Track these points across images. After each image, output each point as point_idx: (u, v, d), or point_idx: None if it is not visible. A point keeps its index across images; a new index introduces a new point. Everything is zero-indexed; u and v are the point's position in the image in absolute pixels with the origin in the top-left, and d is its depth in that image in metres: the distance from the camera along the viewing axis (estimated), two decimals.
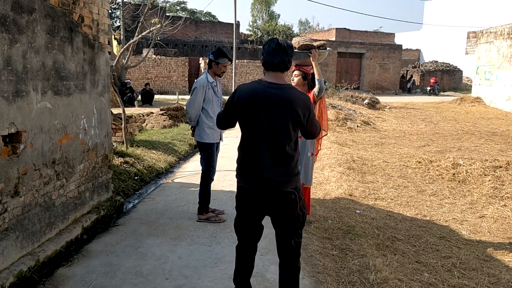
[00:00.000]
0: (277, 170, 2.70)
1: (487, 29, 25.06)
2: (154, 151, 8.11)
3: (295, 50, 4.34)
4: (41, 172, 3.84)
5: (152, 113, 12.19)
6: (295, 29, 56.19)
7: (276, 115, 2.67)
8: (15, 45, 3.40)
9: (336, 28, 41.66)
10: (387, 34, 44.78)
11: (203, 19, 47.22)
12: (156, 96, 21.05)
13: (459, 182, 7.14)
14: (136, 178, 6.52)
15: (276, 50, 2.72)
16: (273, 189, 2.71)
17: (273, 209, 2.79)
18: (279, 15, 59.69)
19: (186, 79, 27.71)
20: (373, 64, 34.18)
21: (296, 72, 4.73)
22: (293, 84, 4.58)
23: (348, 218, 5.08)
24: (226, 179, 6.87)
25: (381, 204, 5.84)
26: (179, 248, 4.18)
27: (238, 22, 42.07)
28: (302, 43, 4.55)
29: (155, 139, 9.24)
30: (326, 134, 5.00)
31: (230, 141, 10.89)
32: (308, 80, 4.71)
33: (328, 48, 4.77)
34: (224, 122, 3.00)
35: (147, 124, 10.94)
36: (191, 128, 5.35)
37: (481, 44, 25.40)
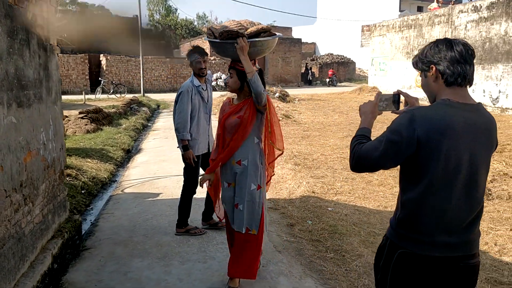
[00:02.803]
0: (472, 225, 1.95)
1: (380, 23, 26.95)
2: (89, 160, 7.44)
3: (218, 40, 3.41)
4: (12, 199, 3.29)
5: (67, 116, 11.19)
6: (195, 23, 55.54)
7: (481, 150, 1.91)
8: None
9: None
10: (285, 28, 46.13)
11: (96, 13, 44.60)
12: None
13: (397, 170, 7.54)
14: (83, 192, 5.92)
15: (467, 55, 1.89)
16: (466, 254, 1.93)
17: (457, 281, 1.96)
18: (176, 9, 58.54)
19: (87, 77, 25.97)
20: (276, 58, 35.00)
21: (231, 71, 3.52)
22: (228, 89, 3.64)
23: (326, 217, 5.10)
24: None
25: (343, 199, 5.96)
26: (173, 268, 3.85)
27: (136, 16, 40.46)
28: (224, 30, 3.34)
29: (83, 146, 8.50)
30: (282, 154, 3.81)
31: (162, 142, 10.43)
32: (244, 81, 3.49)
33: (278, 34, 3.64)
34: (372, 164, 1.96)
35: (67, 129, 10.00)
36: (180, 145, 4.49)
37: (375, 37, 27.27)
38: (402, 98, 2.14)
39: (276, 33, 3.62)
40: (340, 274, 3.74)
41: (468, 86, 1.92)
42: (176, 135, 4.51)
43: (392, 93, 2.13)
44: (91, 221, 5.20)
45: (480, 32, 17.60)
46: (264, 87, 3.44)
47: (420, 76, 2.02)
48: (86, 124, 10.27)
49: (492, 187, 6.74)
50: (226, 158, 3.48)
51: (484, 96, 17.20)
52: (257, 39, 3.38)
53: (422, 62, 1.98)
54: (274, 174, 4.00)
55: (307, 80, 37.93)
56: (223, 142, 3.55)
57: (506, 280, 3.90)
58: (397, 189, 6.72)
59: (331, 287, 3.55)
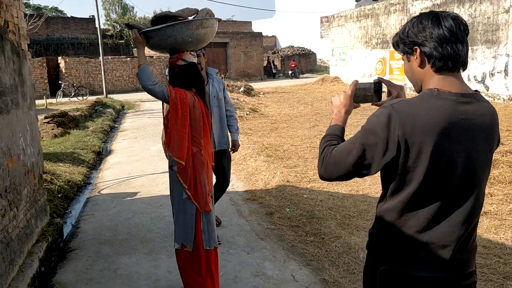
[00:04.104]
0: (467, 239, 1.60)
1: (338, 14, 27.48)
2: (61, 164, 7.38)
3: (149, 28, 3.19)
4: None
5: None
6: None
7: (480, 150, 1.56)
8: None
9: None
10: (244, 23, 46.20)
11: (50, 15, 43.35)
12: None
13: None
14: (60, 195, 5.91)
15: (459, 32, 1.51)
16: (460, 273, 1.61)
17: None
18: (133, 7, 57.52)
19: (46, 81, 25.24)
20: (238, 52, 35.07)
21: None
22: None
23: (302, 204, 5.31)
24: (158, 183, 6.60)
25: (317, 186, 6.18)
26: (161, 262, 3.96)
27: (93, 16, 39.61)
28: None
29: (53, 150, 8.39)
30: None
31: (132, 143, 10.40)
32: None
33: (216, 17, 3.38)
34: (345, 171, 1.62)
35: None
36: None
37: (334, 27, 27.80)
38: (384, 87, 1.80)
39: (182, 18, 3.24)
40: (322, 255, 3.96)
41: (462, 70, 1.57)
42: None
43: (371, 81, 1.78)
44: (72, 224, 5.22)
45: None
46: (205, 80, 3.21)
47: (403, 59, 1.66)
48: (52, 129, 10.12)
49: None
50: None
51: None
52: (149, 28, 3.18)
53: (403, 42, 1.61)
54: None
55: (270, 73, 38.21)
56: None
57: None
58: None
59: (314, 268, 3.76)
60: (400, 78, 19.74)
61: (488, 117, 1.57)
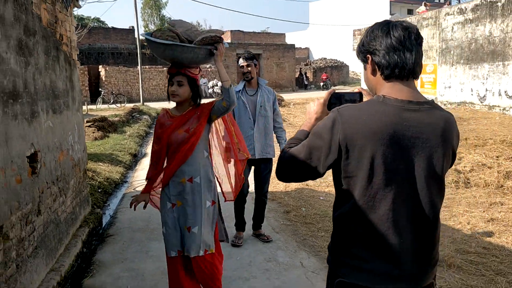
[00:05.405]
0: (423, 252, 1.58)
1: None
2: (101, 163, 8.07)
3: (189, 45, 2.98)
4: (51, 190, 3.92)
5: None
6: None
7: (424, 158, 1.54)
8: (28, 67, 3.48)
9: (231, 30, 42.67)
10: (278, 35, 46.91)
11: (92, 26, 45.32)
12: None
13: None
14: (100, 190, 6.55)
15: (408, 41, 1.54)
16: (419, 285, 1.58)
17: None
18: (170, 18, 59.34)
19: (87, 88, 26.59)
20: (270, 63, 35.77)
21: (179, 79, 3.06)
22: (175, 99, 3.11)
23: (318, 205, 5.75)
24: None
25: (334, 190, 6.59)
26: None
27: (132, 27, 41.20)
28: (206, 36, 3.01)
29: (94, 151, 9.12)
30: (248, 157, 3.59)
31: None
32: (195, 90, 3.12)
33: (225, 42, 3.20)
34: (296, 172, 1.68)
35: None
36: None
37: None
38: (365, 97, 1.75)
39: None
40: None
41: (412, 79, 1.58)
42: None
43: (350, 90, 1.80)
44: (110, 215, 5.84)
45: (466, 33, 18.30)
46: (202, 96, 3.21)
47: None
48: (93, 132, 10.92)
49: (471, 176, 7.39)
50: (170, 175, 3.11)
51: (472, 95, 17.87)
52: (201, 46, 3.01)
53: (360, 51, 1.65)
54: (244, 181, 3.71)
55: (302, 84, 38.70)
56: (168, 159, 3.18)
57: (472, 250, 4.54)
58: None
59: (321, 257, 4.19)
60: (431, 92, 19.82)
61: (438, 126, 1.54)
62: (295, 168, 1.64)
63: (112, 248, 4.56)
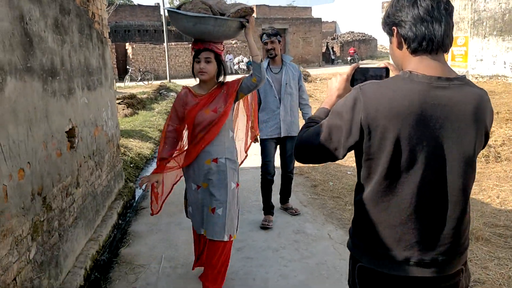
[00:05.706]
0: (451, 238, 1.47)
1: None
2: (131, 139, 8.28)
3: (224, 17, 2.86)
4: (88, 164, 4.10)
5: None
6: None
7: (454, 140, 1.42)
8: (64, 45, 3.60)
9: (256, 5, 42.17)
10: (304, 8, 46.12)
11: (118, 3, 45.54)
12: None
13: None
14: (132, 165, 6.75)
15: (437, 11, 1.41)
16: (440, 274, 1.46)
17: None
18: None
19: (115, 65, 26.96)
20: (297, 38, 35.37)
21: (206, 55, 2.95)
22: (203, 77, 2.98)
23: (345, 179, 5.80)
24: None
25: None
26: None
27: (158, 4, 41.25)
28: (240, 7, 2.92)
29: (124, 128, 9.35)
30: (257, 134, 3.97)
31: None
32: (221, 67, 3.05)
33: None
34: (314, 154, 1.55)
35: None
36: None
37: None
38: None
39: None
40: None
41: (441, 52, 1.45)
42: None
43: (376, 65, 1.64)
44: (142, 189, 6.01)
45: (499, 3, 17.66)
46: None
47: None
48: (123, 109, 11.15)
49: (501, 150, 7.27)
50: (194, 156, 3.04)
51: (505, 67, 17.34)
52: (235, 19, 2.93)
53: (385, 23, 1.53)
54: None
55: (328, 59, 38.20)
56: (192, 139, 3.08)
57: (501, 223, 4.53)
58: None
59: (348, 230, 4.26)
60: (462, 65, 19.31)
61: (469, 105, 1.42)
62: (313, 149, 1.53)
63: (146, 220, 4.74)
